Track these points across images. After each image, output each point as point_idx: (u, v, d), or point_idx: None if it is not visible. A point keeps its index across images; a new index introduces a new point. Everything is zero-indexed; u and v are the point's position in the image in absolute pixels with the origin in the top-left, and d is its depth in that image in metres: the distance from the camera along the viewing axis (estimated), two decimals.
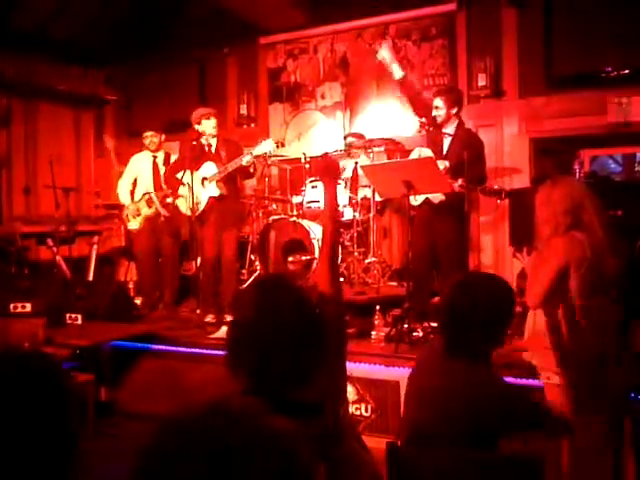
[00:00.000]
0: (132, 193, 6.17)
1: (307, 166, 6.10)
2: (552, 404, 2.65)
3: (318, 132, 7.31)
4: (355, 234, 5.83)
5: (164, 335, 5.17)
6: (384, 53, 5.03)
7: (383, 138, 6.32)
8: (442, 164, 4.56)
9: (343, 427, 1.74)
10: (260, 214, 6.33)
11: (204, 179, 5.38)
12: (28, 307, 5.22)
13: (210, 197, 5.38)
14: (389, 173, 4.56)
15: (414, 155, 4.96)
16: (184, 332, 5.22)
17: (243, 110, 7.54)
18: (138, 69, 8.17)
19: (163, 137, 6.21)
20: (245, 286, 5.62)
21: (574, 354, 2.72)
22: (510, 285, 2.34)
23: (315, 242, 5.50)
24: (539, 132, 6.20)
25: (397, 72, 5.01)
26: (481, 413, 2.07)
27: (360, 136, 6.33)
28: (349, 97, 7.10)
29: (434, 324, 4.25)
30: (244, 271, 6.18)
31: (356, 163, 5.93)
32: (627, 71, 5.70)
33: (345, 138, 6.49)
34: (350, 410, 3.98)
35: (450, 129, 4.79)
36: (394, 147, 6.31)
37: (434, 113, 4.78)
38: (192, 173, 5.29)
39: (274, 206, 6.52)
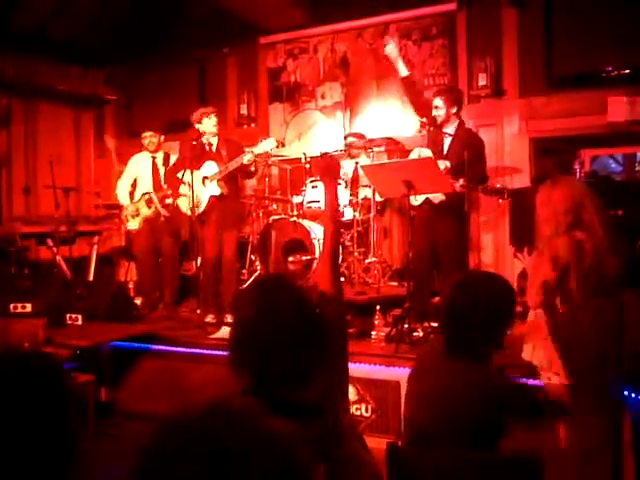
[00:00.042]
0: (131, 194, 6.17)
1: (307, 166, 6.11)
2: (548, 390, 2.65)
3: (318, 132, 7.30)
4: (355, 234, 5.83)
5: (164, 335, 5.16)
6: (392, 48, 5.01)
7: (383, 138, 6.32)
8: (443, 164, 4.55)
9: (344, 427, 1.74)
10: (260, 214, 6.33)
11: (205, 178, 5.38)
12: (28, 307, 5.22)
13: (211, 196, 5.38)
14: (389, 173, 4.56)
15: (414, 155, 4.96)
16: (184, 332, 5.22)
17: (243, 110, 7.54)
18: (138, 69, 8.17)
19: (162, 137, 6.21)
20: (245, 286, 5.62)
21: (575, 354, 2.71)
22: (510, 284, 2.34)
23: (315, 242, 5.50)
24: (539, 132, 6.19)
25: (402, 70, 5.00)
26: (481, 413, 2.07)
27: (360, 136, 6.33)
28: (349, 97, 7.10)
29: (434, 324, 4.25)
30: (244, 271, 6.18)
31: (356, 163, 5.93)
32: (627, 71, 5.70)
33: (345, 138, 6.49)
34: (351, 410, 3.98)
35: (450, 129, 4.79)
36: (394, 147, 6.32)
37: (434, 113, 4.78)
38: (192, 173, 5.29)
39: (274, 206, 6.52)
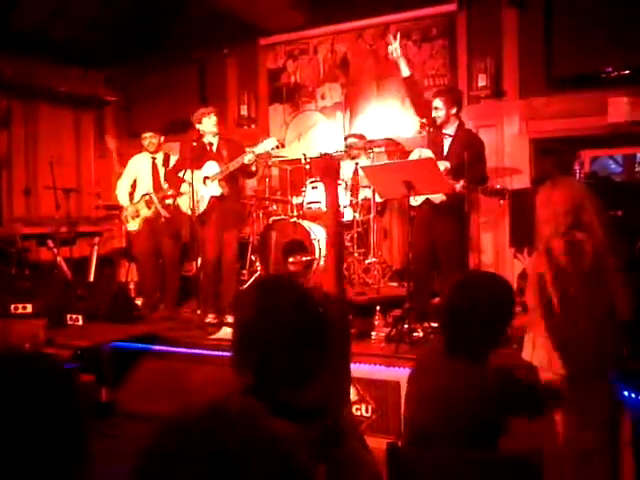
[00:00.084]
0: (131, 194, 6.17)
1: (307, 167, 6.11)
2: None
3: (318, 133, 7.31)
4: (355, 235, 5.84)
5: (165, 336, 5.17)
6: (396, 47, 5.01)
7: (383, 139, 6.32)
8: (443, 165, 4.56)
9: (345, 427, 1.74)
10: (260, 215, 6.34)
11: (206, 178, 5.38)
12: (29, 308, 5.23)
13: (212, 197, 5.38)
14: (389, 174, 4.56)
15: (414, 156, 4.96)
16: (185, 333, 5.22)
17: (243, 111, 7.54)
18: (138, 70, 8.17)
19: (162, 138, 6.21)
20: (245, 287, 5.62)
21: (572, 354, 2.72)
22: (510, 284, 2.34)
23: (315, 243, 5.50)
24: (539, 132, 6.20)
25: (405, 69, 5.01)
26: (481, 412, 2.07)
27: (360, 137, 6.34)
28: (349, 98, 7.10)
29: (434, 324, 4.26)
30: (245, 272, 6.18)
31: (356, 164, 5.93)
32: (628, 72, 5.70)
33: (345, 139, 6.49)
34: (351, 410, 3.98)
35: (450, 130, 4.79)
36: (394, 148, 6.32)
37: (434, 114, 4.78)
38: (193, 173, 5.29)
39: (274, 207, 6.52)
